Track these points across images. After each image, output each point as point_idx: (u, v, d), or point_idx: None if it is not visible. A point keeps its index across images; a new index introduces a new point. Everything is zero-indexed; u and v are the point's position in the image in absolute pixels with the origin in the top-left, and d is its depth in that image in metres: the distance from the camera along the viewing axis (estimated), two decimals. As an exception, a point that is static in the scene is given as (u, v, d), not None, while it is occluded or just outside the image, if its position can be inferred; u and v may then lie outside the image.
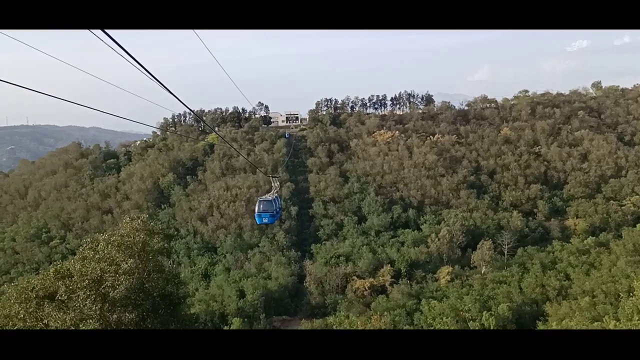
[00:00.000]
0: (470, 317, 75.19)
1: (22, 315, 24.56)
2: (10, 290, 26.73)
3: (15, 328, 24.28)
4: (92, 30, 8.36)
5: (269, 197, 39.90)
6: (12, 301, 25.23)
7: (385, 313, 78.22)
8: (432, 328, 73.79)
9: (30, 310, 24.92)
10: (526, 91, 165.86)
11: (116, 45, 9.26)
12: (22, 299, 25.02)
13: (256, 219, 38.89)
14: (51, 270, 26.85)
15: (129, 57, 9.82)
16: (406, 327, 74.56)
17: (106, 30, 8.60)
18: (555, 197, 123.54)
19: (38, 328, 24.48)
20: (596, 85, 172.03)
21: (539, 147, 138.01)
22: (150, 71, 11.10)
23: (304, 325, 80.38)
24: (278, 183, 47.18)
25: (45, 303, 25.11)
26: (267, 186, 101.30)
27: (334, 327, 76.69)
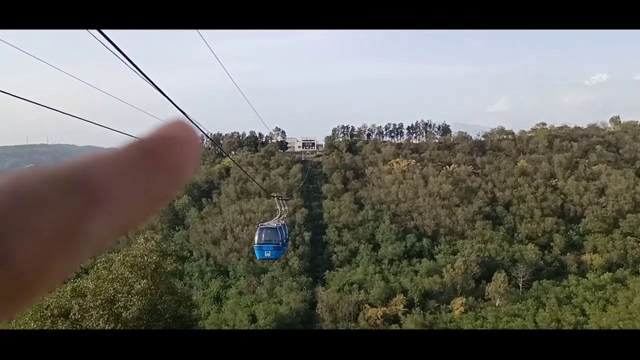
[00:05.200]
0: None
1: (36, 333, 24.73)
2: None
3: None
4: (111, 49, 8.64)
5: (272, 223, 31.75)
6: (27, 318, 25.39)
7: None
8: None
9: (45, 328, 25.08)
10: (544, 124, 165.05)
11: (133, 66, 9.58)
12: (38, 317, 25.19)
13: (256, 252, 30.82)
14: (68, 289, 27.08)
15: (145, 78, 10.07)
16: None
17: (123, 52, 8.90)
18: (571, 231, 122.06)
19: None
20: (614, 120, 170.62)
21: (556, 180, 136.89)
22: (167, 94, 11.38)
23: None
24: (286, 207, 38.21)
25: (59, 321, 25.27)
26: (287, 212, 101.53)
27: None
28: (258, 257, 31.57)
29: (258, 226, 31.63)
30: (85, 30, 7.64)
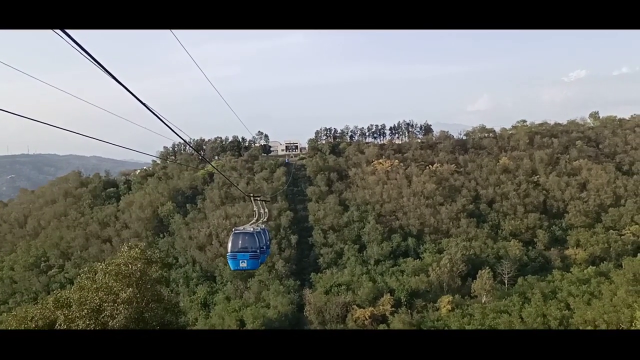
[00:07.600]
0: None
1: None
2: (9, 319, 26.65)
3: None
4: (87, 56, 8.57)
5: (249, 228, 26.82)
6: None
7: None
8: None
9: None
10: (524, 121, 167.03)
11: (105, 72, 9.55)
12: (22, 329, 24.93)
13: (229, 262, 26.14)
14: (50, 300, 26.83)
15: (119, 84, 9.99)
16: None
17: (98, 60, 8.85)
18: (554, 226, 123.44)
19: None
20: (594, 116, 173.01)
21: (538, 176, 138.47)
22: (146, 102, 11.31)
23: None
24: (266, 210, 32.50)
25: (44, 332, 25.00)
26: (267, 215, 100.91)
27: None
28: (232, 268, 26.19)
29: (233, 231, 26.66)
30: (63, 40, 7.58)
